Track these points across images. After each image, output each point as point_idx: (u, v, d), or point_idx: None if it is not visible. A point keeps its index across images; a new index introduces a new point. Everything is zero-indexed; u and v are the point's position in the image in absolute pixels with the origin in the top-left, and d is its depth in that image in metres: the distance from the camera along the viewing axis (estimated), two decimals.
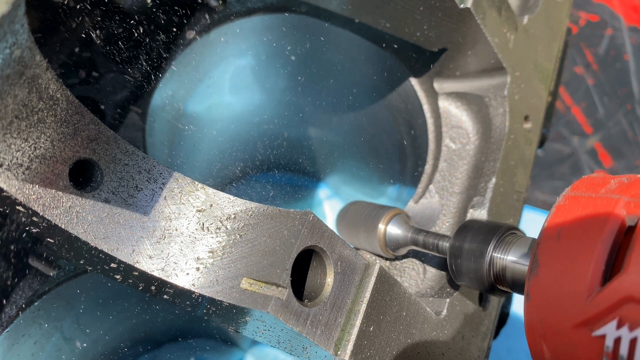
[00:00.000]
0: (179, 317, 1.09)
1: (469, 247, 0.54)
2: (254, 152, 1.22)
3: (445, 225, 0.69)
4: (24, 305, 0.63)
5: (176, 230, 0.47)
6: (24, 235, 0.58)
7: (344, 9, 0.74)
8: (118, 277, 0.51)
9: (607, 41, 1.72)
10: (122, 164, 0.47)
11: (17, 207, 0.42)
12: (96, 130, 0.46)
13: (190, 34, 0.83)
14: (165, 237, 0.47)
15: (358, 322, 0.47)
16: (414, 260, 0.67)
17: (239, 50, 0.89)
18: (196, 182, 0.50)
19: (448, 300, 0.58)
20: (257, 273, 0.45)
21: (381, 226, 0.62)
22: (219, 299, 0.45)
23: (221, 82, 0.97)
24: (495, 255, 0.52)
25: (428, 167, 0.76)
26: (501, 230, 0.54)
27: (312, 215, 0.46)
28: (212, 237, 0.47)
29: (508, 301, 0.77)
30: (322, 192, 1.33)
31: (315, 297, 0.47)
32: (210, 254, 0.47)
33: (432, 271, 0.66)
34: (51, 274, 0.63)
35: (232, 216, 0.48)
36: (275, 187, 1.32)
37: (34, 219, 0.44)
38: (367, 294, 0.49)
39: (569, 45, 0.96)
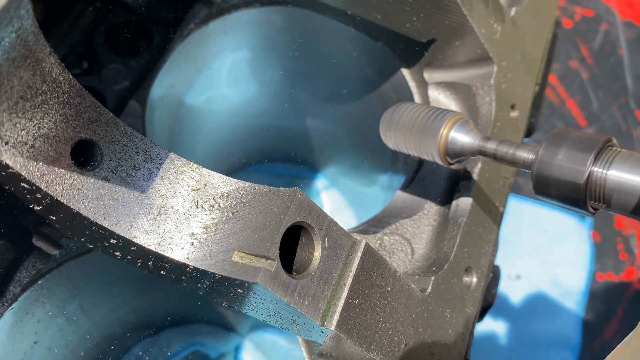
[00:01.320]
0: (179, 302, 1.12)
1: (563, 160, 0.50)
2: (251, 143, 1.25)
3: (433, 209, 0.72)
4: (27, 284, 0.66)
5: (172, 207, 0.50)
6: (28, 214, 0.60)
7: (337, 1, 0.77)
8: (117, 253, 0.53)
9: (602, 36, 1.74)
10: (121, 145, 0.50)
11: (22, 184, 0.45)
12: (97, 113, 0.48)
13: (189, 25, 0.86)
14: (161, 214, 0.50)
15: (344, 295, 0.50)
16: (402, 241, 0.70)
17: (236, 43, 0.92)
18: (191, 163, 0.52)
19: (433, 278, 0.61)
20: (248, 247, 0.47)
21: (443, 131, 0.57)
22: (212, 271, 0.47)
23: (219, 75, 0.99)
24: (596, 169, 0.48)
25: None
26: (601, 143, 0.50)
27: (300, 193, 0.48)
28: (206, 214, 0.50)
29: (494, 283, 0.79)
30: (320, 183, 1.36)
31: (304, 270, 0.49)
32: (204, 230, 0.49)
33: (419, 252, 0.69)
34: (54, 254, 0.65)
35: (225, 195, 0.51)
36: (274, 177, 1.35)
37: (38, 195, 0.46)
38: (353, 269, 0.51)
39: (559, 38, 0.98)
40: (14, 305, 0.65)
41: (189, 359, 1.09)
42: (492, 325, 1.31)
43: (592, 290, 1.39)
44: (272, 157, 1.35)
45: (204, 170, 0.52)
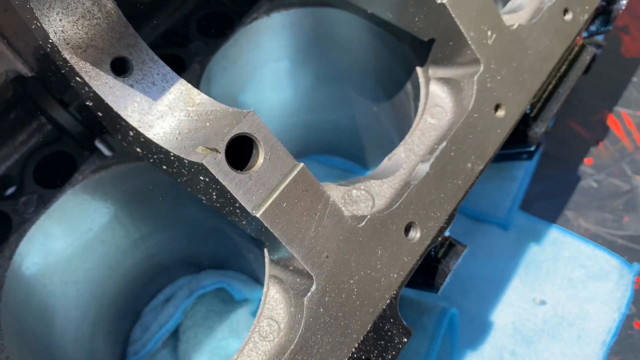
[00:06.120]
0: (223, 251, 1.32)
1: None
2: (307, 136, 1.44)
3: (401, 177, 0.84)
4: (87, 174, 0.90)
5: (171, 114, 0.70)
6: (90, 119, 0.84)
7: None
8: (138, 150, 0.75)
9: None
10: (148, 67, 0.71)
11: (76, 77, 0.68)
12: (135, 40, 0.70)
13: (253, 15, 1.08)
14: (163, 117, 0.70)
15: (274, 196, 0.66)
16: (367, 195, 0.83)
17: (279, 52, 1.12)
18: (195, 89, 0.72)
19: (368, 215, 0.74)
20: (209, 144, 0.66)
21: None
22: (182, 156, 0.66)
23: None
24: None
25: (407, 136, 0.91)
26: None
27: (252, 113, 0.66)
28: (192, 123, 0.69)
29: (453, 260, 0.88)
30: None
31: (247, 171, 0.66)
32: (188, 131, 0.69)
33: (380, 203, 0.81)
34: (108, 155, 0.89)
35: (210, 111, 0.70)
36: (328, 168, 1.52)
37: (86, 88, 0.69)
38: (287, 180, 0.67)
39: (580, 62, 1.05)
40: (76, 187, 0.89)
41: (215, 293, 1.29)
42: (504, 342, 1.34)
43: (625, 335, 1.35)
44: (329, 151, 1.53)
45: (204, 96, 0.72)
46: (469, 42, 0.84)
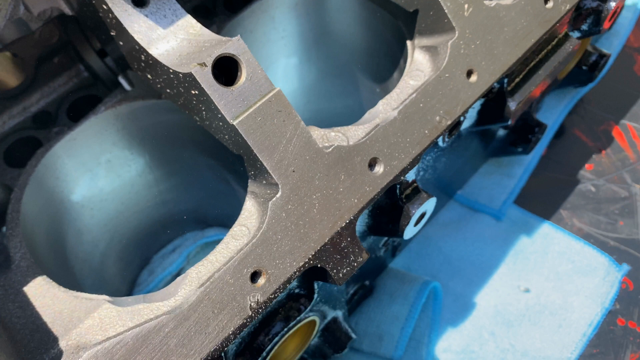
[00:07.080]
0: (229, 208, 1.44)
1: None
2: (318, 122, 1.56)
3: (374, 123, 0.94)
4: (109, 107, 1.04)
5: (175, 39, 0.84)
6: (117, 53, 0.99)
7: None
8: (149, 76, 0.88)
9: None
10: (162, 2, 0.86)
11: (102, 6, 0.83)
12: None
13: None
14: (168, 41, 0.83)
15: (251, 110, 0.78)
16: (343, 137, 0.93)
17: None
18: (198, 24, 0.86)
19: (335, 144, 0.84)
20: (201, 61, 0.78)
21: None
22: (179, 70, 0.79)
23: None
24: None
25: (388, 95, 1.02)
26: None
27: (238, 38, 0.78)
28: (192, 47, 0.83)
29: (417, 202, 0.96)
30: None
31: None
32: (187, 54, 0.82)
33: (353, 140, 0.91)
34: (128, 89, 1.03)
35: (208, 40, 0.83)
36: None
37: (110, 15, 0.84)
38: (264, 99, 0.79)
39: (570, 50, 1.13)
40: (98, 116, 1.04)
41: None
42: (484, 322, 1.39)
43: (607, 330, 1.38)
44: None
45: (205, 29, 0.85)
46: (446, 11, 0.95)
